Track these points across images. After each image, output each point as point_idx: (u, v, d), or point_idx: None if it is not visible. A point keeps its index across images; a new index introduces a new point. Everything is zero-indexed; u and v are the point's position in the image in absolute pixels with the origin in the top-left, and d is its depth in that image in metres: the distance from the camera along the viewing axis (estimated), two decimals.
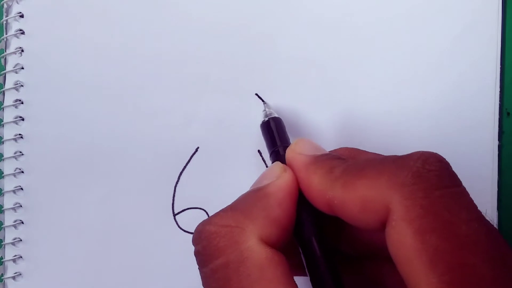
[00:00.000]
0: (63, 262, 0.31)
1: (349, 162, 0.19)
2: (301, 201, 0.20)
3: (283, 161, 0.22)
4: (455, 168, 0.18)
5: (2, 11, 0.31)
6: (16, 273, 0.31)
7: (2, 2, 0.31)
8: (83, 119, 0.31)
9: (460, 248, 0.15)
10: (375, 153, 0.23)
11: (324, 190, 0.19)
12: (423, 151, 0.18)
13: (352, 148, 0.24)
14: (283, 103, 0.30)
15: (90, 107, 0.31)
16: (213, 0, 0.30)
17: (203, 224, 0.19)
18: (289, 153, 0.21)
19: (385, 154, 0.21)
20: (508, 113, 0.29)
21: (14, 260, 0.31)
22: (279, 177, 0.20)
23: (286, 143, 0.25)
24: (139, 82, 0.31)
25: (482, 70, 0.29)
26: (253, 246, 0.18)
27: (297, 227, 0.20)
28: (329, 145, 0.30)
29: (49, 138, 0.31)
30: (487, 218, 0.20)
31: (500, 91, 0.29)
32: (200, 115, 0.30)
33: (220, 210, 0.19)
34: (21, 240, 0.31)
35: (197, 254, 0.19)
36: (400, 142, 0.29)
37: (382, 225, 0.17)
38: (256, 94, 0.30)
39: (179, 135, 0.30)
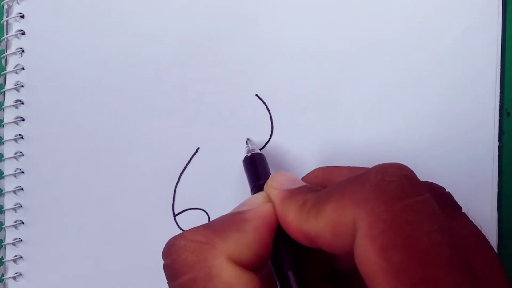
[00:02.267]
0: (63, 262, 0.31)
1: (321, 191, 0.19)
2: (280, 234, 0.20)
3: None
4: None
5: (3, 12, 0.31)
6: (16, 273, 0.31)
7: (2, 3, 0.31)
8: (83, 120, 0.31)
9: (423, 263, 0.15)
10: (348, 168, 0.23)
11: (299, 224, 0.19)
12: (383, 163, 0.18)
13: (327, 167, 0.24)
14: (283, 103, 0.30)
15: (91, 107, 0.31)
16: (213, 0, 0.30)
17: (173, 238, 0.19)
18: (266, 188, 0.22)
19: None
20: (508, 114, 0.29)
21: (14, 261, 0.31)
22: (259, 206, 0.20)
23: (267, 178, 0.25)
24: (139, 83, 0.31)
25: (483, 71, 0.29)
26: (222, 264, 0.18)
27: (275, 260, 0.20)
28: (327, 146, 0.30)
29: (49, 139, 0.31)
30: (470, 219, 0.20)
31: (500, 92, 0.29)
32: (200, 115, 0.30)
33: (194, 227, 0.19)
34: (21, 240, 0.31)
35: (166, 268, 0.19)
36: (399, 142, 0.29)
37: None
38: (256, 95, 0.30)
39: (179, 136, 0.30)
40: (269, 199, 0.21)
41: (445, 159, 0.29)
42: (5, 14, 0.31)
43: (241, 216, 0.20)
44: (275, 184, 0.21)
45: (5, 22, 0.31)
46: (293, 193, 0.20)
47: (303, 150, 0.30)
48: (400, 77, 0.30)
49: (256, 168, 0.26)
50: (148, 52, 0.30)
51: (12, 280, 0.31)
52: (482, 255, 0.18)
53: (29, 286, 0.31)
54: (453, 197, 0.21)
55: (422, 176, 0.29)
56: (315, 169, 0.24)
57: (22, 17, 0.31)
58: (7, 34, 0.31)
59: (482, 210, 0.29)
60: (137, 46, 0.31)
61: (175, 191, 0.31)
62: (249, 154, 0.27)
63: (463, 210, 0.21)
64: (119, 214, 0.31)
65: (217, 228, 0.19)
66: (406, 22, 0.29)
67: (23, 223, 0.31)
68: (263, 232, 0.19)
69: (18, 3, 0.31)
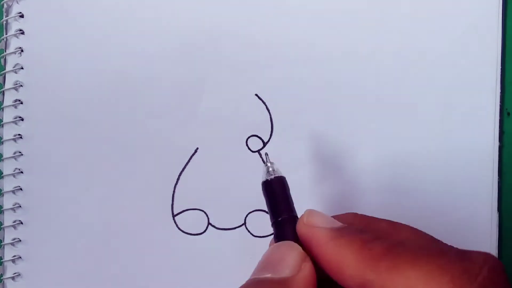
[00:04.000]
0: (63, 262, 0.31)
1: (389, 240, 0.17)
2: None
3: (289, 233, 0.21)
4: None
5: (2, 11, 0.31)
6: (15, 273, 0.31)
7: (2, 2, 0.31)
8: (82, 119, 0.31)
9: None
10: (387, 222, 0.21)
11: (362, 270, 0.17)
12: (487, 255, 0.16)
13: (361, 215, 0.22)
14: (283, 102, 0.30)
15: (90, 107, 0.31)
16: (213, 0, 0.30)
17: None
18: (303, 227, 0.20)
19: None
20: (509, 114, 0.29)
21: (13, 261, 0.31)
22: (301, 269, 0.18)
23: (291, 212, 0.22)
24: (138, 82, 0.31)
25: (483, 71, 0.29)
26: None
27: None
28: (327, 146, 0.30)
29: (49, 138, 0.31)
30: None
31: (500, 92, 0.29)
32: (200, 115, 0.30)
33: None
34: (20, 240, 0.31)
35: None
36: (399, 142, 0.29)
37: None
38: (256, 95, 0.30)
39: (179, 136, 0.30)
40: (306, 255, 0.19)
41: (445, 159, 0.29)
42: (4, 14, 0.31)
43: (288, 286, 0.18)
44: (312, 222, 0.19)
45: (4, 22, 0.31)
46: (343, 233, 0.18)
47: (303, 150, 0.30)
48: (400, 77, 0.30)
49: (279, 196, 0.22)
50: (148, 52, 0.30)
51: (11, 280, 0.31)
52: None
53: (27, 287, 0.31)
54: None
55: (422, 177, 0.29)
56: (347, 214, 0.22)
57: (22, 16, 0.31)
58: (6, 34, 0.31)
59: (482, 210, 0.29)
60: (137, 46, 0.30)
61: (174, 191, 0.30)
62: (269, 178, 0.23)
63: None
64: (118, 214, 0.31)
65: None
66: (406, 22, 0.29)
67: (22, 223, 0.31)
68: None
69: (17, 2, 0.31)
